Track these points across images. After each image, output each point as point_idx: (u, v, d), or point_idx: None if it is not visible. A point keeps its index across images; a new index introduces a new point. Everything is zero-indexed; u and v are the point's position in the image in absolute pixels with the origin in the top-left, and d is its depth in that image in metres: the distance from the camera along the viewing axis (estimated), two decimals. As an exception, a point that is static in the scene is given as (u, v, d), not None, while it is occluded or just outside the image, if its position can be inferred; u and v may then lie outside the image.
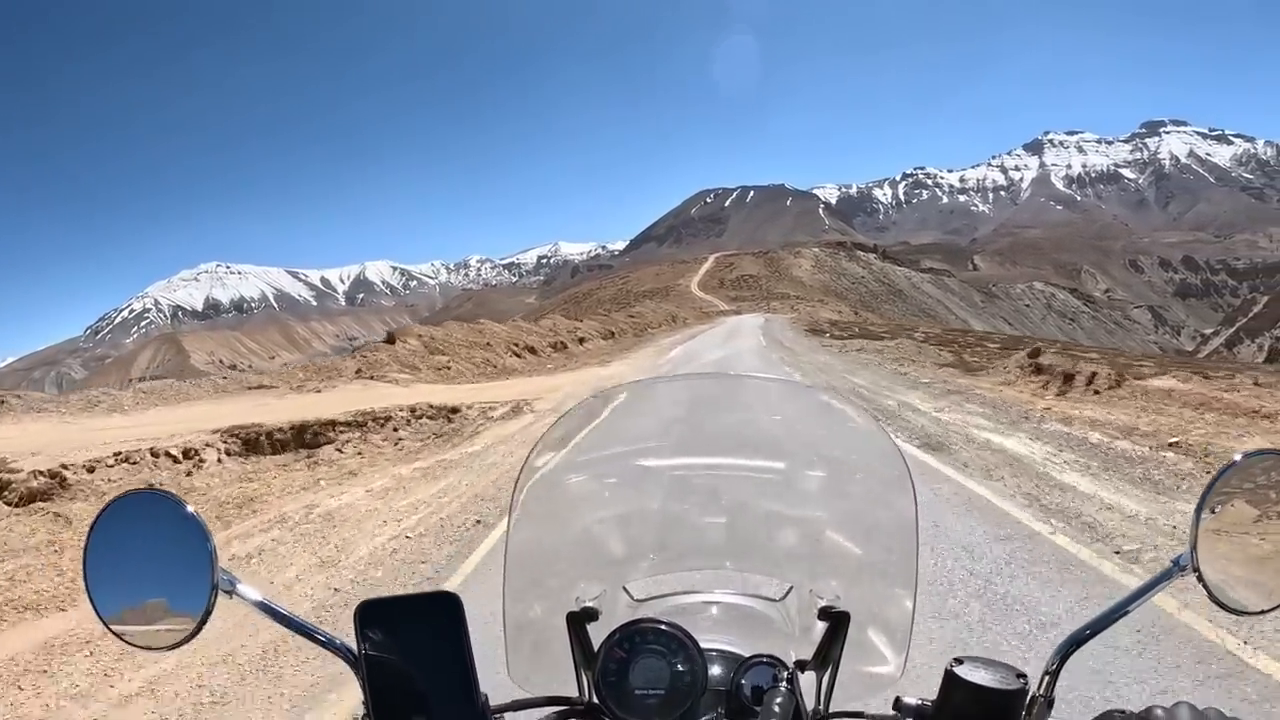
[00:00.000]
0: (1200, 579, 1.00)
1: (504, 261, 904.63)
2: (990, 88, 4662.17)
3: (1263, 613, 1.03)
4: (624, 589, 1.34)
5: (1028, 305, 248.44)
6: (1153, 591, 1.03)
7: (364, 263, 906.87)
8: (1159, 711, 0.84)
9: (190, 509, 1.00)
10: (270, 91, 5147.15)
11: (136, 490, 1.06)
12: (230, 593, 1.00)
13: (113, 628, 1.02)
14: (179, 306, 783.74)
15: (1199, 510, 1.01)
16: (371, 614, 1.05)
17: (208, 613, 0.99)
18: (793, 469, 1.49)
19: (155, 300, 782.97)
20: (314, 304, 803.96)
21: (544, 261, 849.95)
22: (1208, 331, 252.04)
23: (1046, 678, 1.02)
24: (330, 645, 1.07)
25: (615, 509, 1.45)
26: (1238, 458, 1.03)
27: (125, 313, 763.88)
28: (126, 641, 1.02)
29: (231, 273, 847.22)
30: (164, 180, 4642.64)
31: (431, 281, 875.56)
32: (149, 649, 1.03)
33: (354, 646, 1.05)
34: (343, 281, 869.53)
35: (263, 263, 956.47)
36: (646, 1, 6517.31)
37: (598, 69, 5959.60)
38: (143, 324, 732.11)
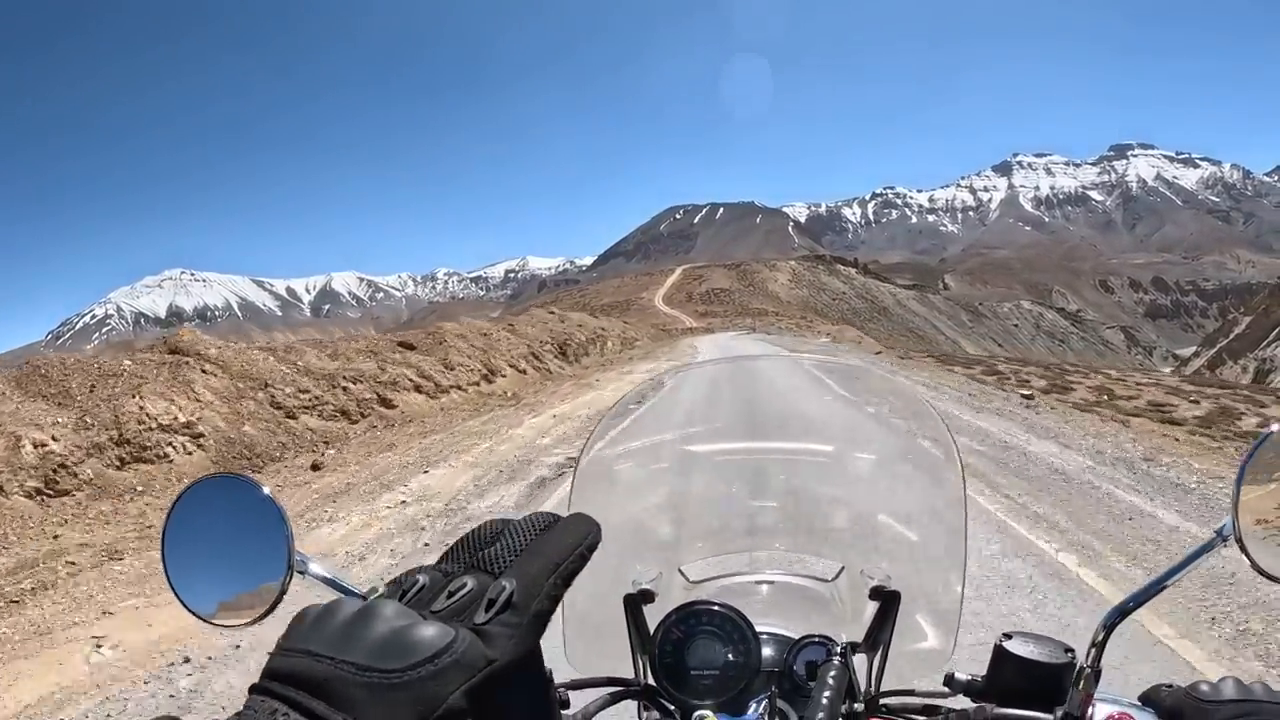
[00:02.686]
0: (1242, 548, 0.98)
1: (471, 275, 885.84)
2: (959, 109, 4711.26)
3: None
4: (679, 571, 1.34)
5: (1016, 325, 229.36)
6: (1195, 563, 1.01)
7: (330, 273, 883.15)
8: (1204, 686, 0.83)
9: (267, 491, 1.00)
10: (239, 99, 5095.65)
11: (214, 474, 1.06)
12: (304, 573, 1.01)
13: (189, 606, 1.02)
14: (141, 313, 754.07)
15: (1240, 479, 0.99)
16: None
17: (283, 591, 0.99)
18: (841, 450, 1.49)
19: (118, 306, 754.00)
20: (279, 314, 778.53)
21: (512, 275, 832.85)
22: (1185, 352, 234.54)
23: (1093, 649, 1.01)
24: None
25: (669, 493, 1.46)
26: (1275, 427, 1.01)
27: (87, 318, 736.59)
28: (202, 619, 1.02)
29: (196, 280, 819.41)
30: (130, 186, 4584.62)
31: (398, 294, 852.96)
32: (225, 626, 1.03)
33: None
34: (309, 292, 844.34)
35: (228, 271, 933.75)
36: (618, 18, 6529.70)
37: (568, 84, 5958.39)
38: (104, 330, 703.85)
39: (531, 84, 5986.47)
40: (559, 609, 1.04)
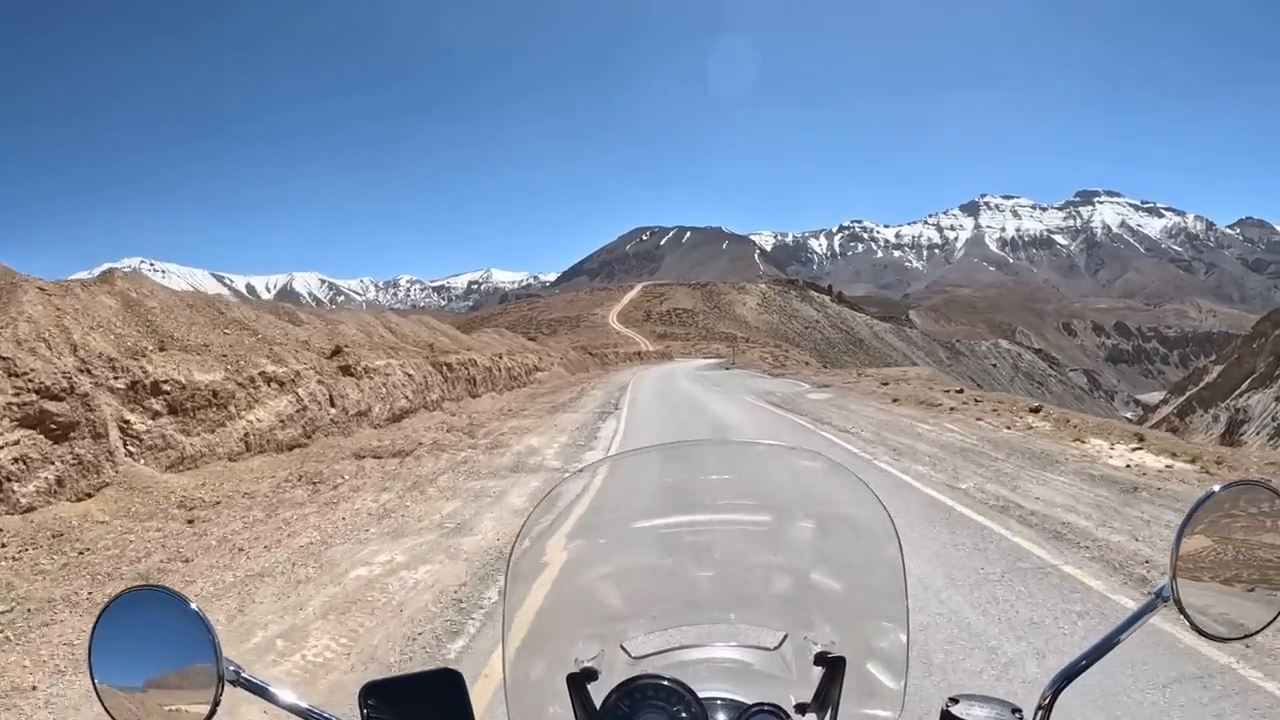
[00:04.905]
0: (1181, 609, 0.98)
1: (434, 284, 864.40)
2: (930, 148, 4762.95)
3: (1244, 638, 1.02)
4: (621, 647, 1.31)
5: (994, 365, 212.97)
6: (1139, 623, 1.02)
7: (292, 272, 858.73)
8: None
9: (193, 605, 0.98)
10: (209, 91, 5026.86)
11: (139, 587, 1.02)
12: (234, 682, 0.98)
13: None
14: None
15: (1177, 542, 0.99)
16: (375, 695, 1.03)
17: (216, 702, 0.96)
18: (779, 521, 1.48)
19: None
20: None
21: (475, 287, 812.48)
22: (1151, 398, 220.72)
23: (1040, 712, 1.00)
24: None
25: (608, 569, 1.44)
26: (1216, 488, 1.01)
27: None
28: None
29: (155, 270, 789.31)
30: (97, 172, 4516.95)
31: (359, 298, 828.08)
32: None
33: None
34: (269, 290, 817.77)
35: (189, 263, 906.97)
36: (592, 36, 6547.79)
37: (542, 101, 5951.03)
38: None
39: (506, 99, 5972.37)
40: (502, 692, 1.19)
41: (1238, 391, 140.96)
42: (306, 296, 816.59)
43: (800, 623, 1.32)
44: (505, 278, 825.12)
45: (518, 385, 28.39)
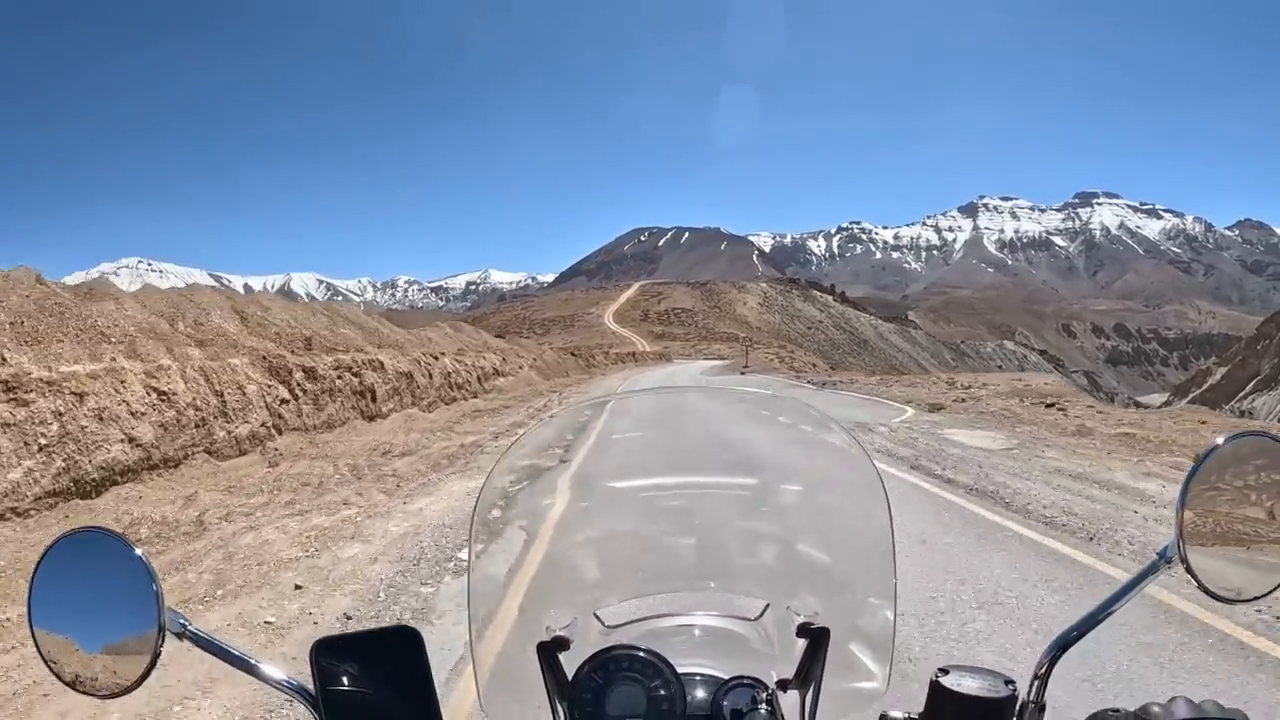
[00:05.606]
0: (1188, 569, 0.92)
1: (432, 284, 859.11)
2: (929, 150, 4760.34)
3: (1255, 599, 0.95)
4: (595, 616, 1.23)
5: (1000, 367, 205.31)
6: (1139, 587, 0.96)
7: (290, 273, 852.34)
8: (1155, 708, 0.78)
9: (138, 551, 0.91)
10: (208, 94, 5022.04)
11: (82, 528, 0.95)
12: (180, 634, 0.92)
13: (57, 670, 0.92)
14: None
15: (1183, 498, 0.93)
16: (328, 651, 0.97)
17: (156, 655, 0.90)
18: (764, 485, 1.41)
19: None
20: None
21: (472, 288, 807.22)
22: (1152, 400, 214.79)
23: (1036, 682, 0.95)
24: (285, 685, 0.97)
25: (582, 533, 1.35)
26: (1220, 441, 0.94)
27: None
28: (73, 686, 0.92)
29: (153, 270, 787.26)
30: (96, 171, 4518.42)
31: (357, 299, 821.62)
32: (97, 695, 0.92)
33: (310, 685, 0.96)
34: (266, 290, 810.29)
35: (187, 263, 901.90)
36: (592, 39, 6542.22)
37: (541, 102, 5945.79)
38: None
39: (505, 100, 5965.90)
40: (470, 660, 1.12)
41: (1242, 393, 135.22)
42: (304, 297, 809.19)
43: (783, 591, 1.25)
44: (503, 278, 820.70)
45: (463, 396, 21.09)
